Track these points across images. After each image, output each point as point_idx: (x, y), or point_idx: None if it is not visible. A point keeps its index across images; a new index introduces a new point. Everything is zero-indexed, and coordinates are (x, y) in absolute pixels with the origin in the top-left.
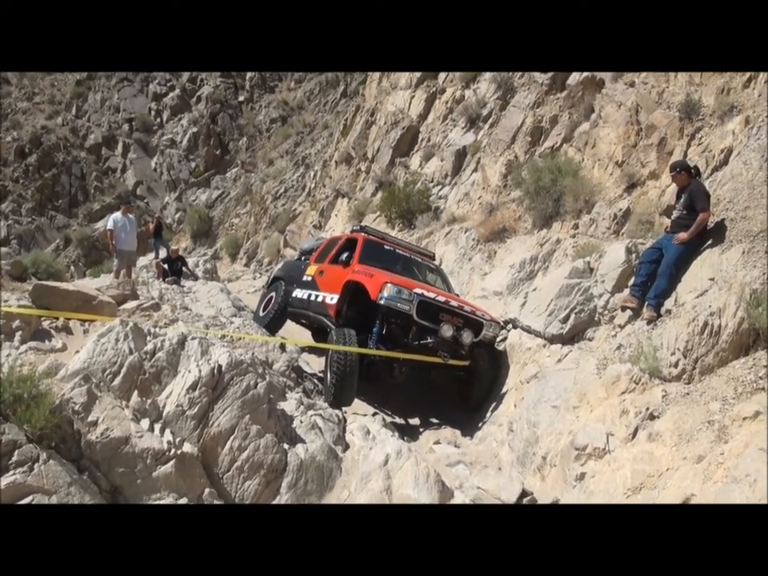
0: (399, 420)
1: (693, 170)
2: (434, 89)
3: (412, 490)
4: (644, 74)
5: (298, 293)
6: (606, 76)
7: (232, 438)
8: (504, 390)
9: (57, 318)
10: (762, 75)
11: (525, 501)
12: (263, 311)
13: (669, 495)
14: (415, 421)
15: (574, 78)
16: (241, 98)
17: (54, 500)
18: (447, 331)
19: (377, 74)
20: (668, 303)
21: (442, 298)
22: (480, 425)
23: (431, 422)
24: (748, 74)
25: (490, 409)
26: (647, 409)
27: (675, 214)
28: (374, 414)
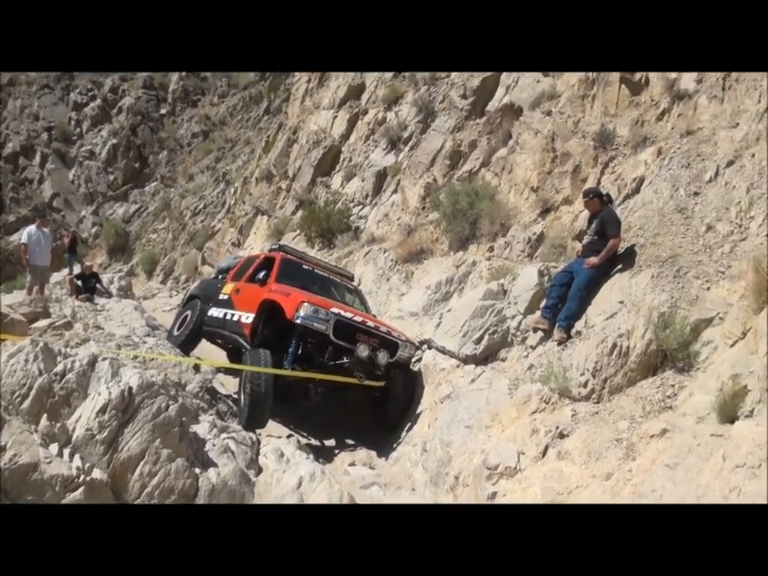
0: (315, 442)
1: (605, 197)
2: (357, 109)
3: None
4: (561, 103)
5: (214, 311)
6: (525, 104)
7: (142, 462)
8: (419, 411)
9: None
10: (675, 109)
11: None
12: (178, 330)
13: None
14: (331, 442)
15: (493, 104)
16: (163, 111)
17: None
18: (363, 351)
19: (300, 92)
20: (578, 325)
21: (359, 318)
22: (395, 445)
23: (347, 443)
24: (662, 107)
25: (405, 429)
26: (557, 428)
27: (586, 239)
28: (289, 436)
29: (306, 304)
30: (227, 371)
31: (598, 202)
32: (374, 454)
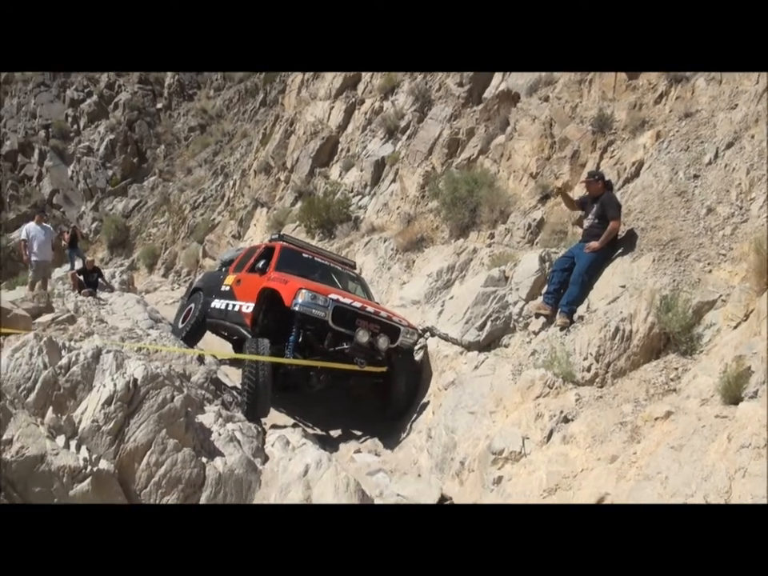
0: (320, 431)
1: (606, 183)
2: (354, 99)
3: (332, 500)
4: (558, 89)
5: (217, 303)
6: (522, 90)
7: (149, 453)
8: (423, 398)
9: None
10: (673, 92)
11: None
12: (182, 323)
13: (584, 495)
14: (336, 431)
15: (490, 91)
16: (159, 105)
17: None
18: (363, 337)
19: (296, 84)
20: (580, 310)
21: (358, 304)
22: (400, 432)
23: (352, 431)
24: (660, 90)
25: (410, 416)
26: (561, 412)
27: (587, 223)
28: (294, 426)
29: (303, 291)
30: (231, 362)
31: (602, 185)
32: (378, 441)
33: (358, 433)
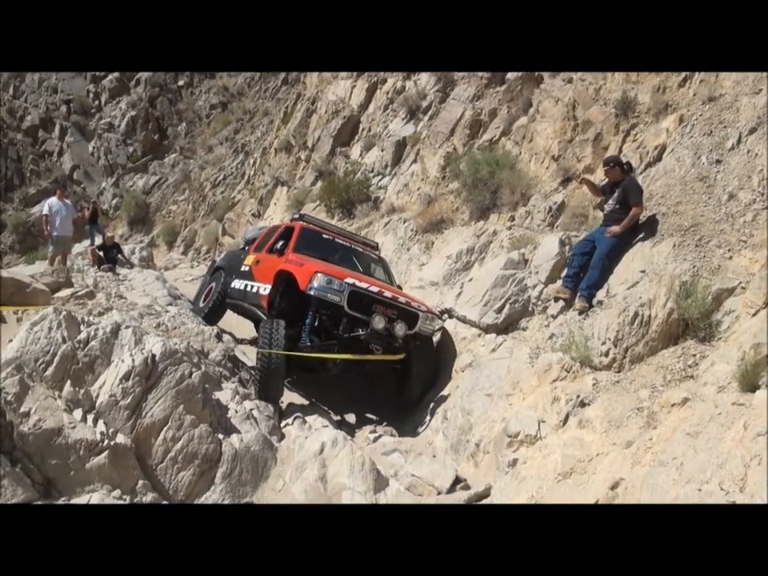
0: (336, 417)
1: (626, 166)
2: (375, 79)
3: (347, 479)
4: (581, 71)
5: (236, 283)
6: (545, 72)
7: (166, 428)
8: (439, 379)
9: None
10: (697, 75)
11: (458, 487)
12: (203, 302)
13: (598, 480)
14: (352, 412)
15: (513, 72)
16: (180, 83)
17: None
18: (379, 323)
19: None
20: (600, 294)
21: (375, 289)
22: (415, 413)
23: (368, 411)
24: (684, 74)
25: (426, 398)
26: (578, 396)
27: (608, 207)
28: (311, 405)
29: (319, 274)
30: (250, 341)
31: (619, 171)
32: (394, 421)
33: (374, 413)
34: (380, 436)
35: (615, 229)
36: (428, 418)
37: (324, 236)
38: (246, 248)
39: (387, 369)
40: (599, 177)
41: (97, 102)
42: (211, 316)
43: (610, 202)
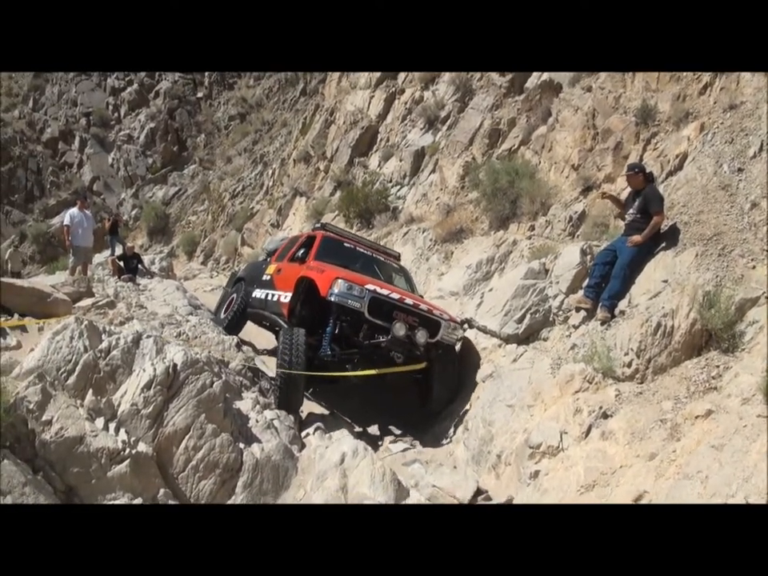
0: (356, 427)
1: (648, 175)
2: (394, 89)
3: (368, 489)
4: (601, 79)
5: (258, 293)
6: (564, 80)
7: (187, 437)
8: (460, 390)
9: (11, 316)
10: (717, 82)
11: (479, 499)
12: (224, 312)
13: (621, 492)
14: (373, 420)
15: (532, 81)
16: (199, 95)
17: (8, 500)
18: (400, 330)
19: (336, 73)
20: (622, 304)
21: (396, 295)
22: (436, 423)
23: (389, 421)
24: (704, 81)
25: (447, 408)
26: (600, 408)
27: (629, 217)
28: (331, 415)
29: (339, 280)
30: (271, 351)
31: (642, 178)
32: (415, 431)
33: (395, 423)
34: (401, 446)
35: (637, 238)
36: (449, 428)
37: (345, 245)
38: (268, 258)
39: (408, 379)
40: (620, 186)
41: (116, 114)
42: (232, 327)
43: (631, 211)
